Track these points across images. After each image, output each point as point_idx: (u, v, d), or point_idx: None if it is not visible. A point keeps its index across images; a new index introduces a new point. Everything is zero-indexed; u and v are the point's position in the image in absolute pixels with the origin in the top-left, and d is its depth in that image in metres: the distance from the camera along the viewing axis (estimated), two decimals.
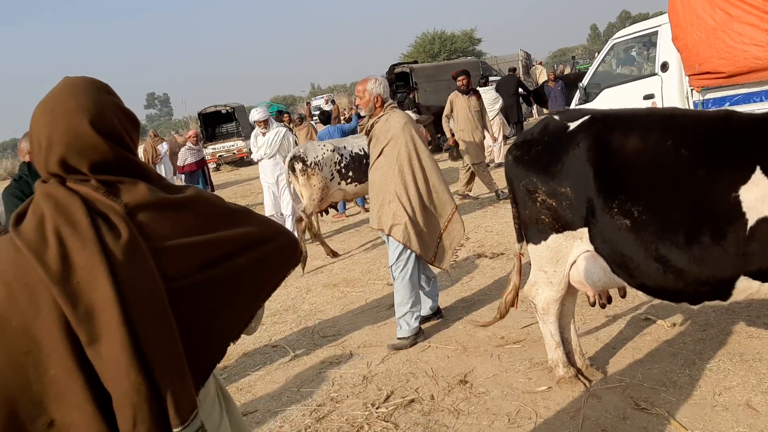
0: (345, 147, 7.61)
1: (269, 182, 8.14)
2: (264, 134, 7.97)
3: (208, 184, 11.12)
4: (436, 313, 4.87)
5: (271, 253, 1.55)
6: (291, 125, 13.64)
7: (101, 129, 1.35)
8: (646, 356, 3.73)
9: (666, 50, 6.89)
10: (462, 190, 9.51)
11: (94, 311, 1.21)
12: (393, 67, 21.21)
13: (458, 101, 8.80)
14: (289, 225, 7.77)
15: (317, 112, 21.51)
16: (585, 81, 8.08)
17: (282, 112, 16.71)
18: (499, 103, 12.36)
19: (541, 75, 22.04)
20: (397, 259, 4.41)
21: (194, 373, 1.35)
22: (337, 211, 10.09)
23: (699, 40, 6.24)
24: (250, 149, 20.21)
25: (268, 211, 8.06)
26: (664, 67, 6.96)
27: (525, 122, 16.46)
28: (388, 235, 4.35)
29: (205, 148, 21.40)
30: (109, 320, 1.21)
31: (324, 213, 8.15)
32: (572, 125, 3.08)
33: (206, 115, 22.80)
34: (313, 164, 7.18)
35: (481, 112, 8.90)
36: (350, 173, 7.50)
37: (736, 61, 6.01)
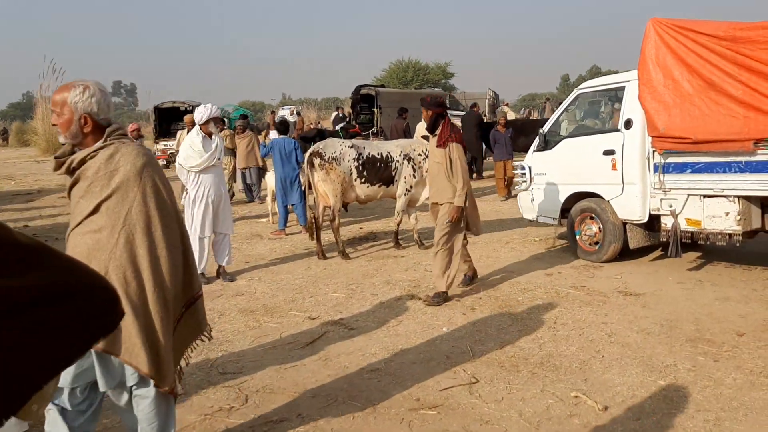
0: (364, 147, 7.94)
1: (213, 195, 6.67)
2: (211, 137, 6.71)
3: None
4: None
5: (72, 313, 1.04)
6: (231, 132, 12.89)
7: None
8: None
9: (631, 107, 6.64)
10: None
11: None
12: (359, 87, 21.00)
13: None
14: (227, 244, 6.91)
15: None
16: (546, 128, 7.76)
17: (245, 117, 16.20)
18: None
19: (508, 115, 22.11)
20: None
21: None
22: (346, 210, 8.87)
23: (673, 103, 6.01)
24: (171, 154, 18.36)
25: (206, 232, 6.65)
26: (628, 124, 6.69)
27: (485, 160, 16.26)
28: (127, 362, 2.51)
29: (157, 143, 20.48)
30: None
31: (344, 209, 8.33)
32: None
33: (162, 110, 21.84)
34: (330, 159, 7.53)
35: (447, 164, 5.71)
36: (365, 172, 7.71)
37: (707, 128, 5.79)
